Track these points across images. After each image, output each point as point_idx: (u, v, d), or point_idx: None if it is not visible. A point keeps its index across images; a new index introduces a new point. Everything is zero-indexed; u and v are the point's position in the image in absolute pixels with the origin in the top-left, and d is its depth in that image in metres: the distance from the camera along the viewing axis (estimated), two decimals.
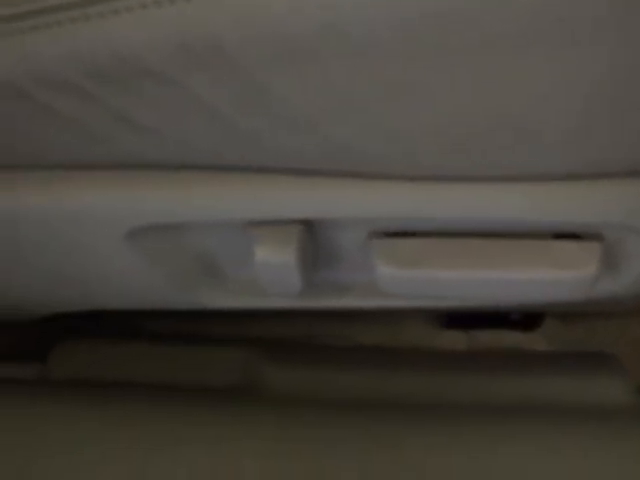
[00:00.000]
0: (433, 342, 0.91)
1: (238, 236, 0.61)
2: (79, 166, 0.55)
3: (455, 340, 0.91)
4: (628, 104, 0.43)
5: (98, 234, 0.60)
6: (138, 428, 0.67)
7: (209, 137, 0.49)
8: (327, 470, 0.63)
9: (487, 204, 0.53)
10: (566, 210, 0.53)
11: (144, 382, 0.73)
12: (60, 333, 0.81)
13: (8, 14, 0.42)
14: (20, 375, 0.77)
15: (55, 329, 0.83)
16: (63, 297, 0.74)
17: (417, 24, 0.38)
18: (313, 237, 0.61)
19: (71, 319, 0.80)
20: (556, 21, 0.37)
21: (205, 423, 0.67)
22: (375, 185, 0.53)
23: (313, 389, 0.70)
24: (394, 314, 0.88)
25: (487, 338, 0.90)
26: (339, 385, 0.71)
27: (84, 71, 0.43)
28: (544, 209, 0.53)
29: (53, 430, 0.67)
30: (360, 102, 0.44)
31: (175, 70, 0.42)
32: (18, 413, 0.69)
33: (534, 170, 0.51)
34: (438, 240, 0.59)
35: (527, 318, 0.88)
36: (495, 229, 0.58)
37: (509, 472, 0.62)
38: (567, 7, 0.37)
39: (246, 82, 0.43)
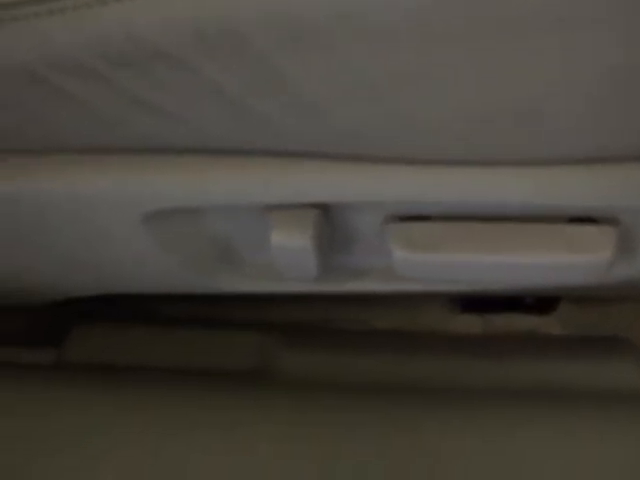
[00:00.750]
0: (448, 326, 0.91)
1: (255, 220, 0.61)
2: (93, 150, 0.55)
3: (470, 324, 0.91)
4: (638, 89, 0.43)
5: (113, 219, 0.60)
6: (152, 412, 0.67)
7: (220, 120, 0.49)
8: (343, 454, 0.63)
9: (496, 187, 0.53)
10: (577, 194, 0.53)
11: (159, 366, 0.73)
12: (72, 318, 0.81)
13: None
14: (35, 360, 0.77)
15: (67, 314, 0.83)
16: (76, 281, 0.74)
17: (431, 9, 0.38)
18: (329, 221, 0.61)
19: (85, 303, 0.80)
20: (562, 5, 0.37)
21: (220, 407, 0.67)
22: (386, 169, 0.53)
23: (329, 373, 0.70)
24: (410, 298, 0.88)
25: (502, 322, 0.90)
26: (355, 369, 0.71)
27: (99, 55, 0.43)
28: (553, 193, 0.53)
29: (68, 414, 0.67)
30: (372, 88, 0.44)
31: (189, 53, 0.42)
32: (33, 398, 0.69)
33: (542, 155, 0.51)
34: (453, 224, 0.59)
35: (542, 302, 0.88)
36: (511, 213, 0.58)
37: (524, 455, 0.63)
38: None
39: (259, 66, 0.43)
